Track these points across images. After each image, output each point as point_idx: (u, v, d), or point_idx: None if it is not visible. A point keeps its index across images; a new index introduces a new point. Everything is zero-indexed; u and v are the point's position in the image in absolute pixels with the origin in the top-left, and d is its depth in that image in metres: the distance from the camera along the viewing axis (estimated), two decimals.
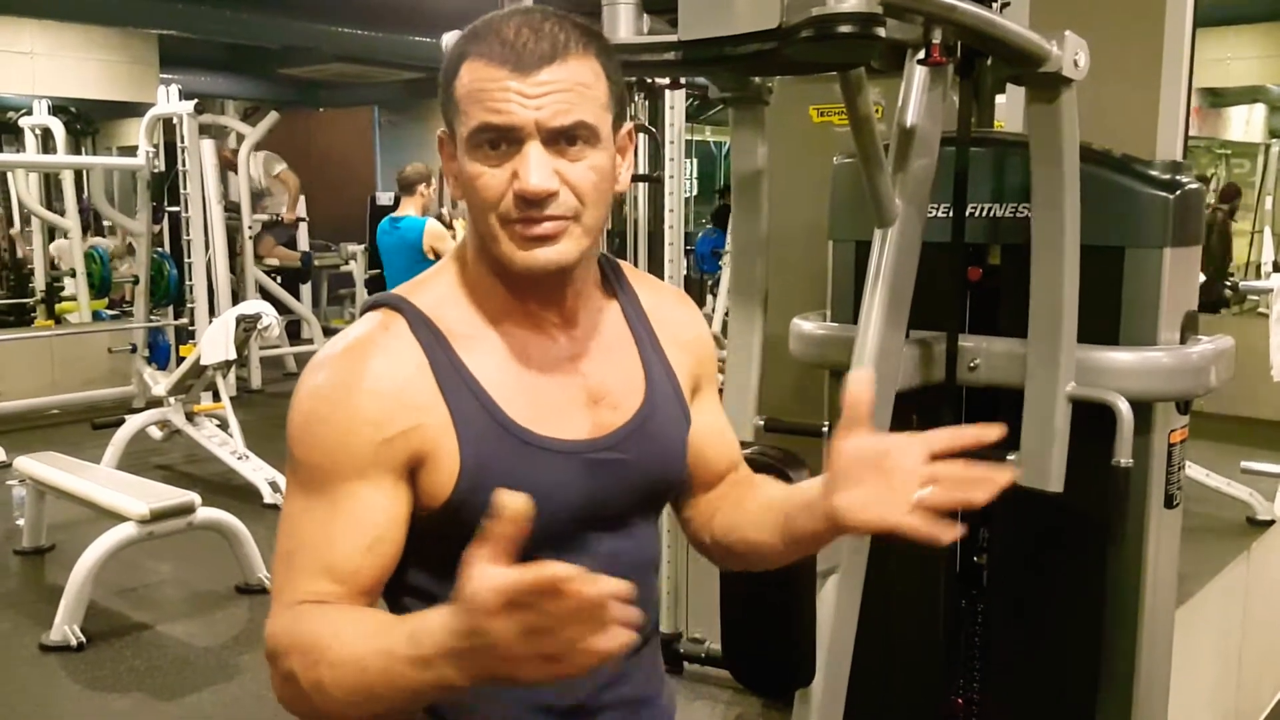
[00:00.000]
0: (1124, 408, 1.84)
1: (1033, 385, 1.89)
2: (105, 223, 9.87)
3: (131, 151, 8.07)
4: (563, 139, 0.98)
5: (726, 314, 5.66)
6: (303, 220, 10.19)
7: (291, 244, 9.99)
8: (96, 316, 8.71)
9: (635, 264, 6.49)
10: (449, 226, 6.20)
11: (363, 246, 10.97)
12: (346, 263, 11.73)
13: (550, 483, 1.01)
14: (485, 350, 1.04)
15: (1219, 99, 10.51)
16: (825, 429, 2.34)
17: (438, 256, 5.52)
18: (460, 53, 1.00)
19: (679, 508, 1.25)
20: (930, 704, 2.19)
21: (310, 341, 9.36)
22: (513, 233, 1.00)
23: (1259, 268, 9.53)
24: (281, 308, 8.45)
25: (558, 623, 0.78)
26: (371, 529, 0.98)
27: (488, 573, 0.80)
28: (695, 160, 13.69)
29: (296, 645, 0.93)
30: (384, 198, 11.43)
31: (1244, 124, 11.27)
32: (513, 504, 0.81)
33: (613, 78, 1.02)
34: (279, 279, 9.52)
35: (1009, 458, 1.93)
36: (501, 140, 0.98)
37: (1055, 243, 1.82)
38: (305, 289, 10.52)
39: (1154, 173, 1.93)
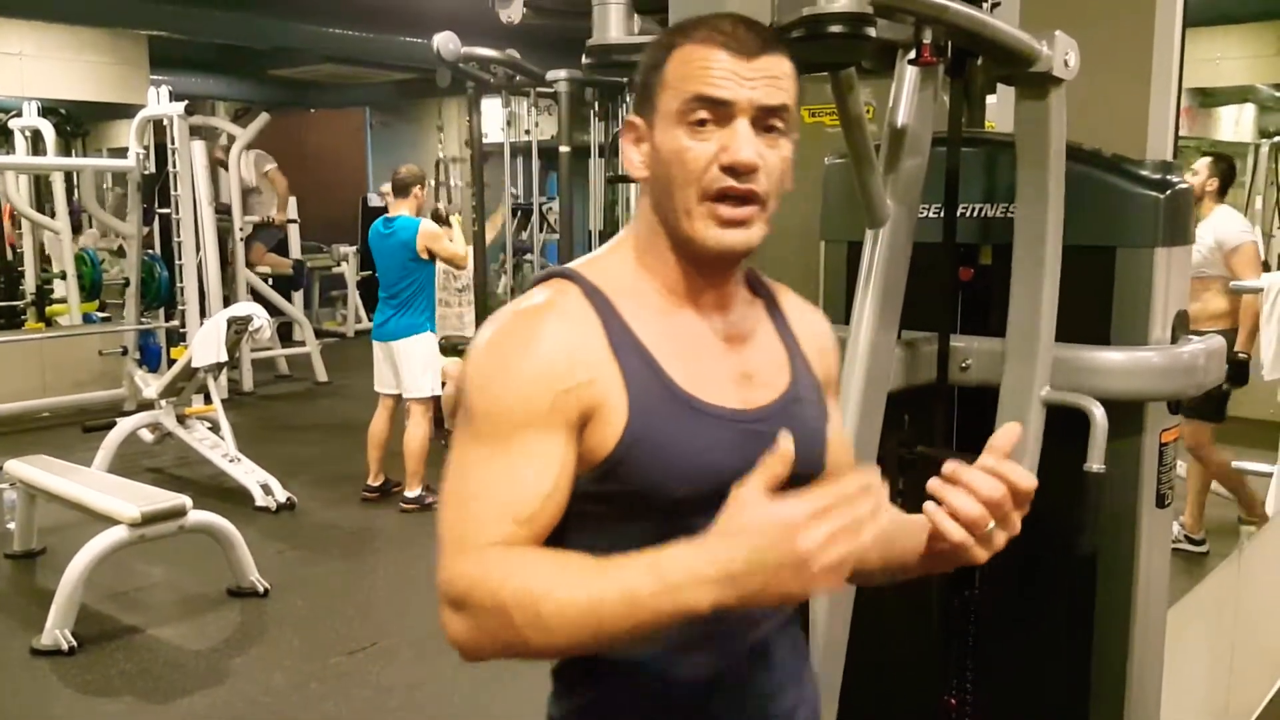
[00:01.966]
0: (1098, 413, 1.83)
1: (1008, 388, 1.87)
2: (90, 228, 9.84)
3: (122, 153, 8.05)
4: (764, 124, 1.07)
5: None
6: (294, 222, 10.17)
7: (282, 249, 9.96)
8: (87, 319, 8.69)
9: None
10: (445, 223, 6.19)
11: (355, 248, 10.97)
12: (338, 264, 11.72)
13: (707, 443, 1.08)
14: (650, 320, 1.11)
15: (1209, 99, 10.54)
16: None
17: (431, 257, 5.52)
18: (668, 43, 1.09)
19: None
20: (923, 703, 2.19)
21: (302, 344, 9.34)
22: (711, 210, 1.07)
23: None
24: (273, 310, 8.44)
25: (846, 531, 0.89)
26: (549, 477, 1.04)
27: (773, 500, 0.91)
28: None
29: (508, 582, 0.97)
30: (376, 199, 11.42)
31: (1234, 124, 11.30)
32: (785, 444, 0.94)
33: (799, 88, 1.11)
34: (270, 282, 9.51)
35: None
36: (711, 115, 1.06)
37: (1038, 243, 1.81)
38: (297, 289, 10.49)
39: (1144, 173, 1.93)
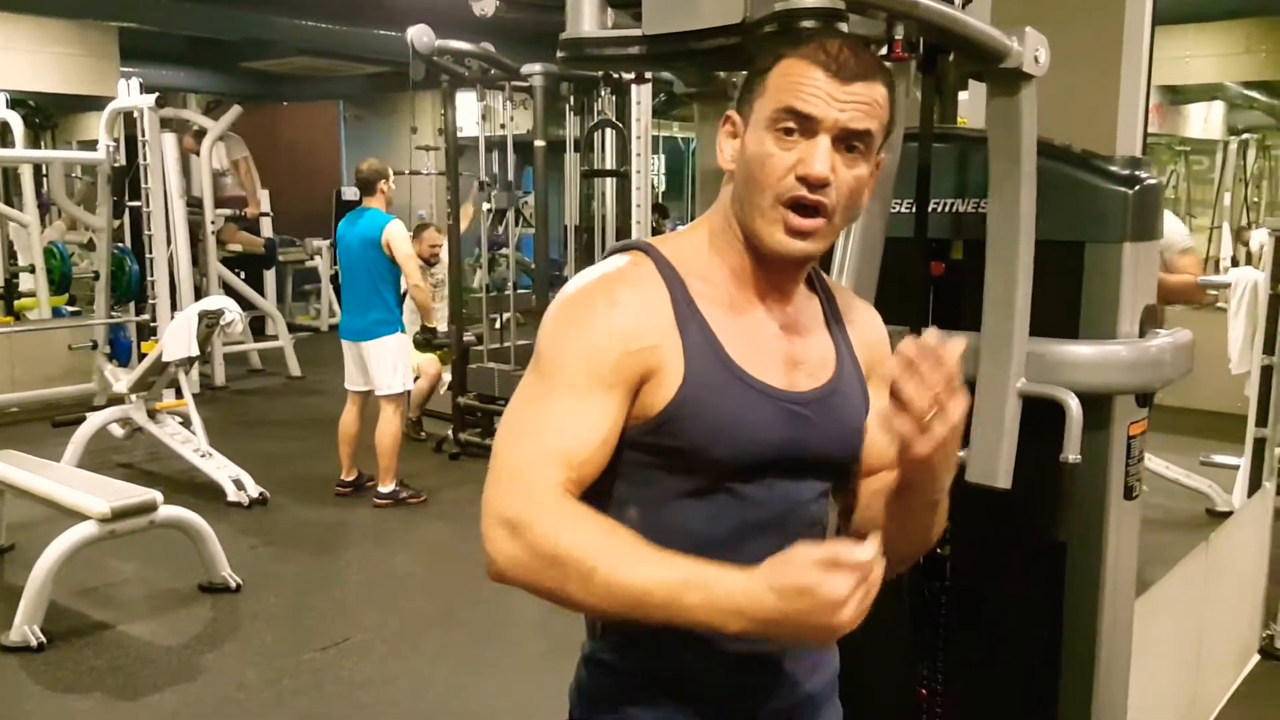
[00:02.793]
0: (1073, 404, 1.85)
1: (983, 381, 1.89)
2: (58, 219, 9.73)
3: (92, 146, 7.96)
4: (846, 143, 1.15)
5: None
6: (266, 215, 10.09)
7: (255, 230, 9.88)
8: (56, 313, 8.60)
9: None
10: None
11: (328, 242, 10.89)
12: (311, 258, 11.64)
13: (751, 415, 1.18)
14: (714, 301, 1.21)
15: (1179, 96, 10.65)
16: None
17: (392, 255, 5.49)
18: (779, 54, 1.18)
19: (838, 491, 1.36)
20: (895, 694, 2.21)
21: (275, 338, 9.29)
22: (780, 215, 1.16)
23: (1219, 263, 9.67)
24: (246, 304, 8.38)
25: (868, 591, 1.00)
26: (603, 428, 1.15)
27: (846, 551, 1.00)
28: (663, 156, 13.71)
29: (569, 528, 1.08)
30: (350, 193, 11.35)
31: (1203, 121, 11.42)
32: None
33: (894, 115, 1.19)
34: (242, 274, 9.43)
35: (959, 453, 1.94)
36: (798, 127, 1.14)
37: (1010, 237, 1.83)
38: (270, 284, 10.43)
39: (1113, 168, 1.95)
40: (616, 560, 1.06)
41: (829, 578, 0.99)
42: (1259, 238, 5.41)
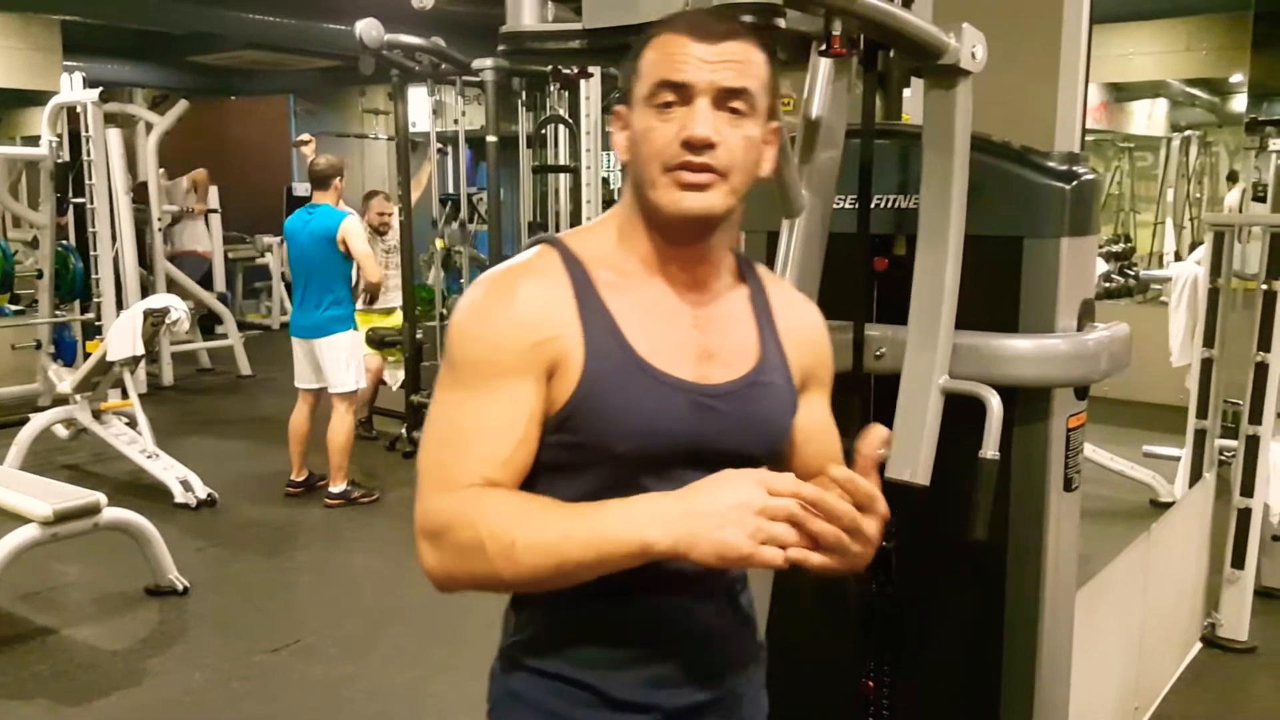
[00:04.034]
0: (994, 401, 1.86)
1: (908, 376, 1.89)
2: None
3: (34, 141, 7.81)
4: (727, 102, 1.14)
5: None
6: (214, 212, 9.95)
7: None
8: None
9: None
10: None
11: (279, 239, 10.74)
12: (262, 255, 11.49)
13: (655, 407, 1.16)
14: (621, 291, 1.19)
15: (1123, 93, 10.83)
16: None
17: (347, 250, 5.45)
18: (648, 36, 1.19)
19: None
20: (842, 687, 2.22)
21: (224, 336, 9.16)
22: (671, 178, 1.15)
23: (1161, 257, 9.85)
24: (194, 301, 8.26)
25: (788, 511, 1.01)
26: (523, 421, 1.14)
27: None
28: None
29: (485, 517, 1.08)
30: (301, 189, 11.22)
31: (1147, 118, 11.63)
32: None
33: (773, 77, 1.18)
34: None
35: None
36: (676, 97, 1.14)
37: (940, 232, 1.84)
38: (219, 282, 10.28)
39: (1051, 164, 1.97)
40: (532, 524, 1.07)
41: (755, 484, 1.02)
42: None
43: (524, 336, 1.14)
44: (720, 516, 1.01)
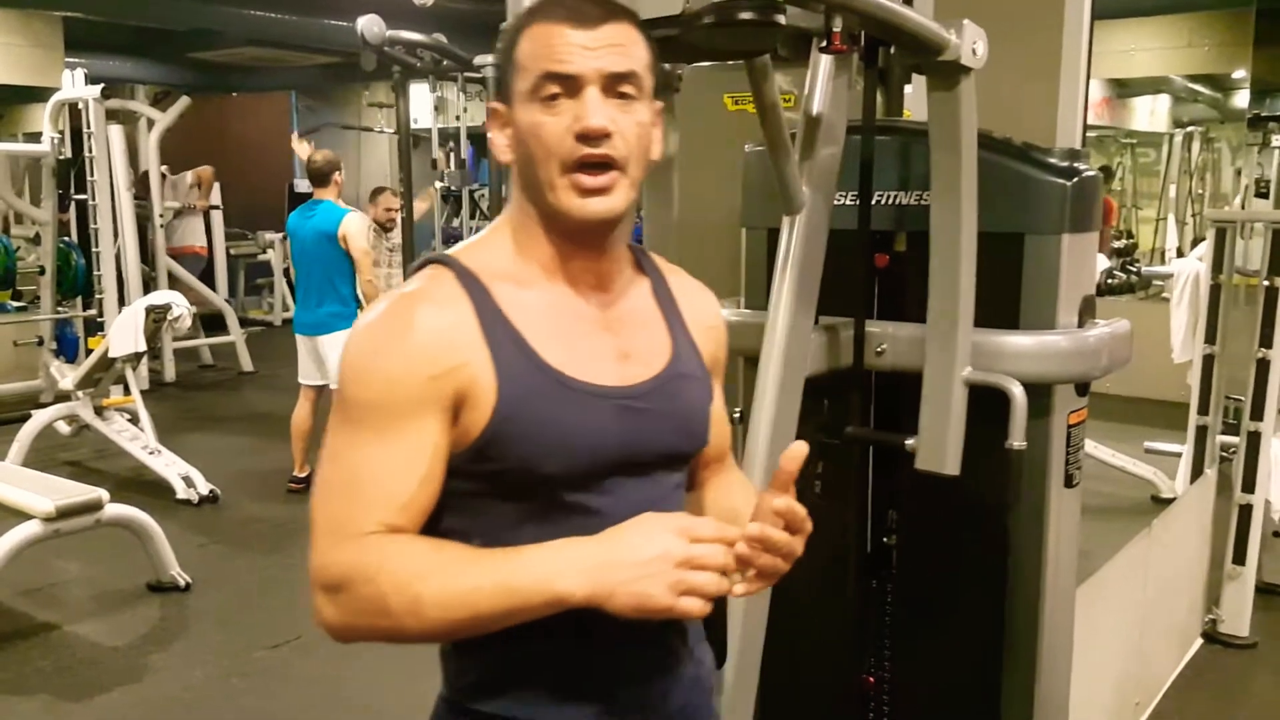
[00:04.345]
0: (1018, 392, 1.88)
1: (930, 370, 1.92)
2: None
3: (36, 138, 7.81)
4: (616, 88, 1.08)
5: None
6: (216, 208, 9.96)
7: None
8: (1, 309, 8.43)
9: None
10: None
11: (281, 235, 10.75)
12: (264, 251, 11.49)
13: (580, 421, 1.10)
14: (526, 303, 1.12)
15: (1125, 89, 10.81)
16: (737, 414, 2.36)
17: (345, 247, 5.45)
18: (519, 26, 1.12)
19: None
20: (842, 683, 2.23)
21: (226, 333, 9.17)
22: (572, 181, 1.09)
23: (1163, 254, 9.84)
24: (196, 298, 8.26)
25: (714, 561, 0.97)
26: (424, 462, 1.07)
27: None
28: None
29: (387, 569, 1.01)
30: (302, 185, 11.22)
31: (1149, 114, 11.61)
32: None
33: (652, 54, 1.13)
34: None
35: (908, 442, 1.96)
36: (563, 89, 1.08)
37: (953, 229, 1.84)
38: (221, 278, 10.29)
39: (1053, 160, 1.97)
40: (440, 576, 1.00)
41: (677, 533, 0.98)
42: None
43: (422, 370, 1.06)
44: (640, 567, 0.97)
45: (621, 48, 1.09)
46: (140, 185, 8.58)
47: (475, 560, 1.02)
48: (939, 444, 1.89)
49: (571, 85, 1.07)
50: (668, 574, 0.96)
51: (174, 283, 8.47)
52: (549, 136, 1.08)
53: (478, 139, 6.94)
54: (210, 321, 9.32)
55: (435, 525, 1.10)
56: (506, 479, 1.09)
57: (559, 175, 1.09)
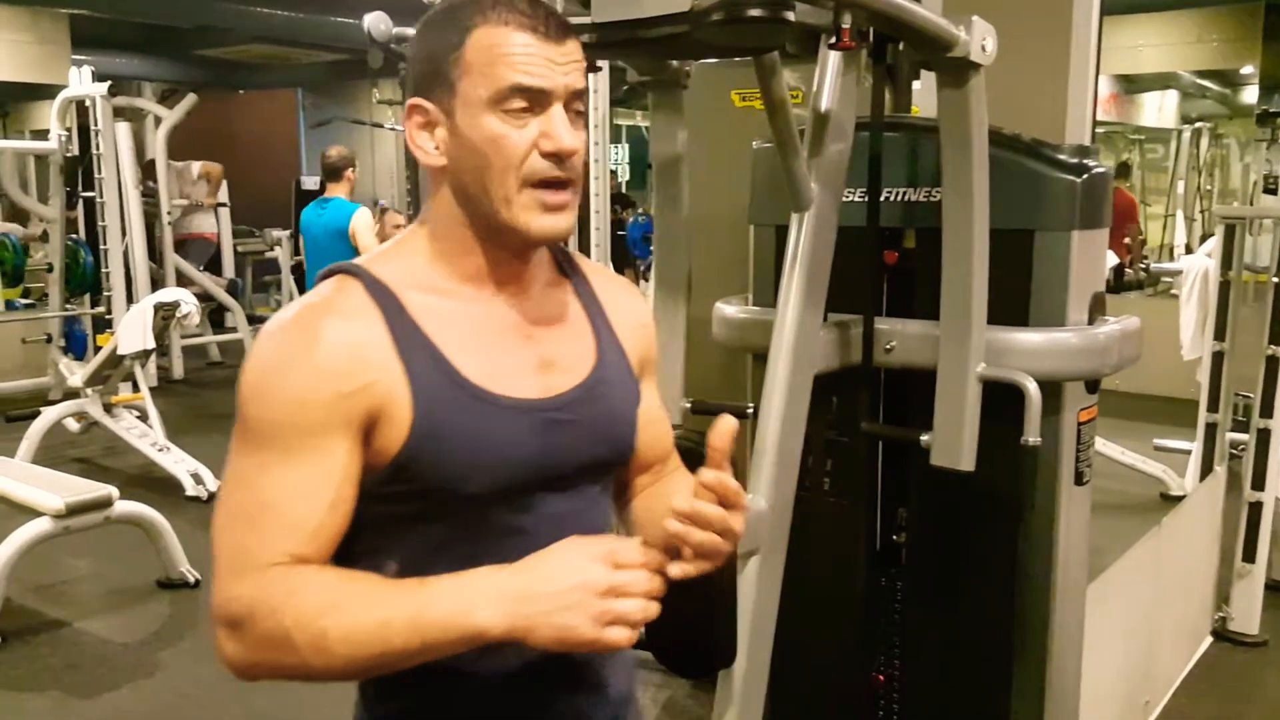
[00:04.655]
0: (1032, 388, 1.88)
1: (944, 366, 1.92)
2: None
3: (44, 135, 7.83)
4: (573, 106, 1.05)
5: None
6: (223, 205, 9.97)
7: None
8: (9, 306, 8.45)
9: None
10: (379, 217, 6.12)
11: (288, 232, 10.76)
12: (271, 249, 11.49)
13: (502, 437, 1.04)
14: (441, 314, 1.06)
15: (1133, 85, 10.78)
16: (750, 410, 2.36)
17: (356, 244, 5.46)
18: (463, 27, 1.04)
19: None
20: (852, 680, 2.23)
21: (234, 330, 9.18)
22: (534, 198, 1.04)
23: (1172, 250, 9.81)
24: (204, 294, 8.28)
25: (638, 588, 0.92)
26: (332, 487, 1.00)
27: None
28: (628, 145, 13.68)
29: (290, 603, 0.95)
30: (310, 182, 11.23)
31: (1157, 110, 11.57)
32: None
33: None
34: (201, 266, 9.31)
35: (923, 438, 1.96)
36: (530, 103, 1.02)
37: (965, 225, 1.84)
38: (228, 274, 10.29)
39: (1062, 156, 1.97)
40: (348, 610, 0.94)
41: (599, 560, 0.92)
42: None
43: (330, 388, 0.99)
44: (560, 598, 0.91)
45: (580, 64, 1.06)
46: (146, 171, 8.57)
47: (387, 593, 0.95)
48: (954, 440, 1.90)
49: (540, 100, 1.02)
50: (590, 604, 0.91)
51: (181, 279, 8.49)
52: (513, 151, 1.02)
53: None
54: (218, 318, 9.35)
55: (351, 547, 1.04)
56: (426, 499, 1.03)
57: (519, 192, 1.03)
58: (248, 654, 0.98)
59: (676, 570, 0.98)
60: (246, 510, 1.00)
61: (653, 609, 0.94)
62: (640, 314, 1.25)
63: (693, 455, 1.44)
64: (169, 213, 8.71)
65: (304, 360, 1.00)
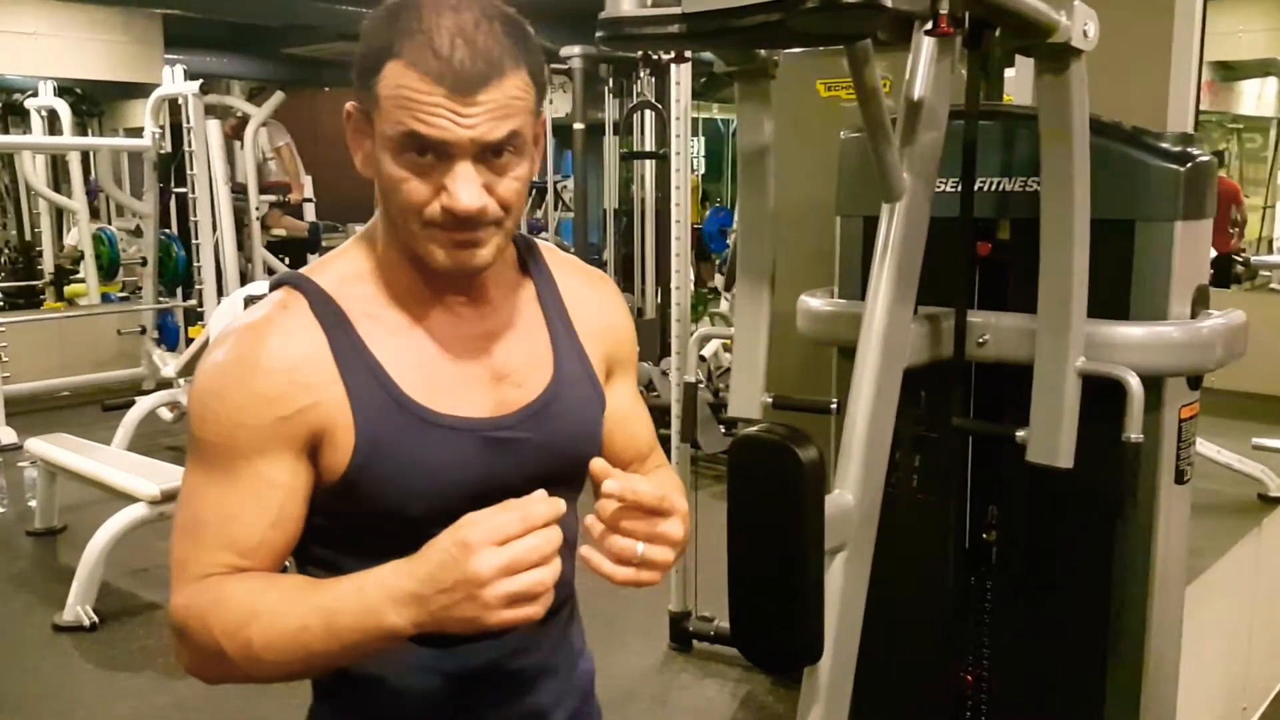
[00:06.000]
0: (1134, 383, 1.82)
1: (1042, 360, 1.88)
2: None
3: (138, 133, 8.06)
4: (492, 153, 0.97)
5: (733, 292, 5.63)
6: (309, 201, 10.17)
7: (298, 215, 9.94)
8: (105, 299, 8.73)
9: (642, 241, 6.46)
10: None
11: None
12: None
13: (444, 459, 1.02)
14: (387, 329, 1.03)
15: (1230, 73, 10.42)
16: (834, 405, 2.33)
17: None
18: (385, 47, 0.96)
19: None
20: (939, 680, 2.19)
21: None
22: (436, 238, 0.99)
23: (1271, 243, 9.47)
24: None
25: (529, 559, 0.87)
26: (274, 505, 0.99)
27: (471, 519, 0.89)
28: (703, 138, 13.64)
29: (215, 613, 0.95)
30: None
31: (1256, 98, 11.17)
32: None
33: (538, 79, 1.00)
34: (286, 259, 9.51)
35: (1019, 434, 1.92)
36: (430, 151, 0.96)
37: (1065, 216, 1.80)
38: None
39: (1165, 145, 1.91)
40: (268, 617, 0.94)
41: (465, 525, 0.88)
42: None
43: (268, 413, 0.97)
44: (449, 595, 0.87)
45: (502, 111, 0.95)
46: (236, 130, 8.67)
47: (303, 598, 0.94)
48: (1051, 436, 1.85)
49: (442, 151, 0.95)
50: (478, 595, 0.87)
51: (270, 274, 8.68)
52: (411, 196, 0.97)
53: (561, 131, 6.96)
54: None
55: (308, 552, 1.05)
56: (372, 521, 1.02)
57: (422, 229, 0.99)
58: (193, 661, 0.99)
59: (624, 575, 0.96)
60: (189, 523, 1.01)
61: (556, 568, 0.89)
62: (609, 310, 1.19)
63: (774, 446, 1.43)
64: (257, 209, 8.91)
65: (241, 385, 0.99)
